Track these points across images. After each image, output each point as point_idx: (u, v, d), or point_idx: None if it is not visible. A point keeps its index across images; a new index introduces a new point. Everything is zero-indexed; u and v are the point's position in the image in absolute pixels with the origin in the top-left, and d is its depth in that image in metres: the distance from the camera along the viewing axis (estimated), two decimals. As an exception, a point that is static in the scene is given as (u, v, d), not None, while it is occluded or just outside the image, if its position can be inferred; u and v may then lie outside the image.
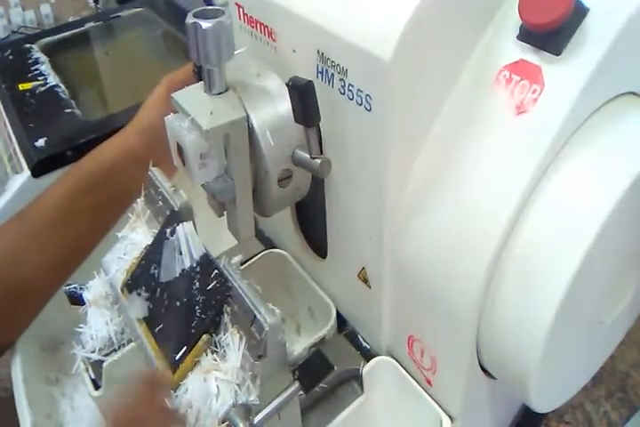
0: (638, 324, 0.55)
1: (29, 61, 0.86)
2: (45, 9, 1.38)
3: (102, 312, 0.51)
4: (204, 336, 0.41)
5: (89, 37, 0.97)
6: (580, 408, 0.71)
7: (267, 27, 0.47)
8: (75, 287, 0.54)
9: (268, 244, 0.66)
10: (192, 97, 0.43)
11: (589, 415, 0.70)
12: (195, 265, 0.44)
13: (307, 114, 0.41)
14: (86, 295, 0.52)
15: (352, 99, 0.41)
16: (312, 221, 0.57)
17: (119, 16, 1.00)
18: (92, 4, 1.38)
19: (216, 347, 0.41)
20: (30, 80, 0.82)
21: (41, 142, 0.71)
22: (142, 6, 1.02)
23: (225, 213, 0.49)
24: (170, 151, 0.45)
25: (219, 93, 0.42)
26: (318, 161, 0.43)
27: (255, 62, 0.46)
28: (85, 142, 0.71)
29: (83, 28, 0.97)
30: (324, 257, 0.57)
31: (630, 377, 0.74)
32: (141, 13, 1.01)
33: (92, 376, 0.53)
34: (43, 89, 0.81)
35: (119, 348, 0.52)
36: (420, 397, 0.51)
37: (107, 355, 0.52)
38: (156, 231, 0.49)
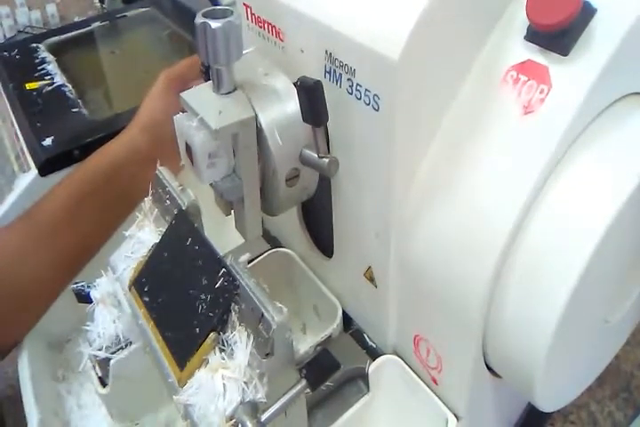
0: (643, 324, 0.55)
1: (36, 61, 0.87)
2: (51, 9, 1.38)
3: (110, 310, 0.52)
4: (211, 334, 0.41)
5: (95, 37, 0.97)
6: (584, 408, 0.71)
7: (274, 26, 0.47)
8: (82, 285, 0.54)
9: (274, 243, 0.66)
10: (200, 96, 0.43)
11: (594, 415, 0.70)
12: (202, 263, 0.44)
13: (315, 113, 0.41)
14: (94, 293, 0.52)
15: (360, 98, 0.41)
16: (318, 221, 0.57)
17: (125, 16, 1.00)
18: (98, 4, 1.38)
19: (223, 345, 0.41)
20: (37, 79, 0.83)
21: (48, 141, 0.72)
22: (148, 6, 1.02)
23: (232, 212, 0.49)
24: (176, 147, 0.45)
25: (227, 93, 0.42)
26: (326, 160, 0.44)
27: (263, 62, 0.47)
28: (92, 141, 0.71)
29: (89, 28, 0.97)
30: (330, 256, 0.57)
31: (635, 377, 0.74)
32: (147, 13, 1.01)
33: (99, 374, 0.54)
34: (49, 88, 0.81)
35: (126, 346, 0.52)
36: (426, 395, 0.51)
37: (114, 353, 0.52)
38: (164, 230, 0.49)
